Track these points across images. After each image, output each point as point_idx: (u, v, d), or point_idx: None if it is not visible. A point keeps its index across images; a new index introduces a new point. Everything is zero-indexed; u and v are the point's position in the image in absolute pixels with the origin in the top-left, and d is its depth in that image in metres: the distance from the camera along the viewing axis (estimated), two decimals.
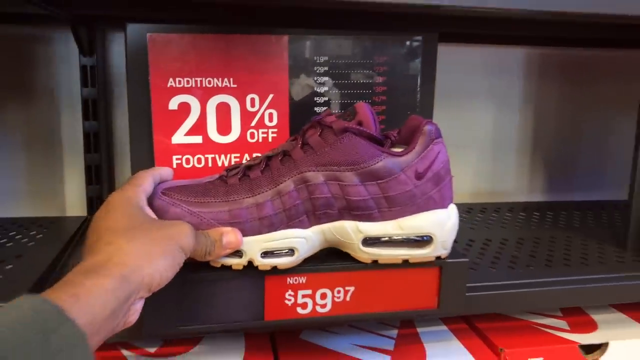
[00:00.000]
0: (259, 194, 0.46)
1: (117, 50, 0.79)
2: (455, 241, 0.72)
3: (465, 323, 0.66)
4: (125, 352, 0.56)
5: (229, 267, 0.45)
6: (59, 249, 0.64)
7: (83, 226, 0.74)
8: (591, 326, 0.66)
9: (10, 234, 0.69)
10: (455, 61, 0.90)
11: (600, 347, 0.62)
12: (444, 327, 0.65)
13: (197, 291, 0.46)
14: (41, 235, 0.69)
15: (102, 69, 0.78)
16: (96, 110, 0.78)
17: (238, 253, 0.45)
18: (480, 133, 0.95)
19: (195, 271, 0.45)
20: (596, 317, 0.68)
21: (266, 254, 0.46)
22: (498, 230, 0.78)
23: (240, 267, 0.45)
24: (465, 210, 0.88)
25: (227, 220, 0.45)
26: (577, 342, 0.61)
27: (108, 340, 0.38)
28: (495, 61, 0.93)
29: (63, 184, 0.83)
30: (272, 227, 0.45)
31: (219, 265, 0.45)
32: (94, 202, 0.80)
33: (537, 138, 0.98)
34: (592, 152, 1.00)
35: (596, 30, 0.81)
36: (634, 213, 0.69)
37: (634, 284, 0.62)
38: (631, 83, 0.68)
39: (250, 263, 0.45)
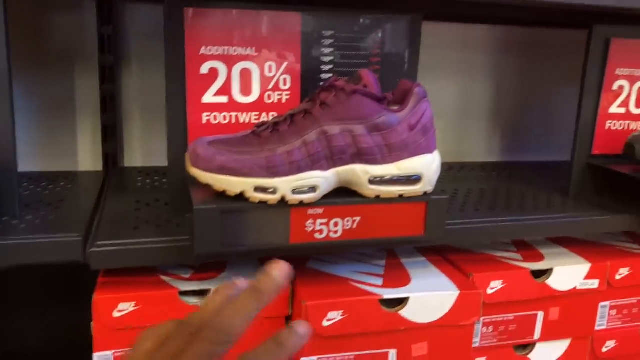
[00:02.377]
0: (288, 143, 0.57)
1: (131, 20, 0.87)
2: None
3: (440, 255, 0.80)
4: (164, 277, 0.65)
5: (265, 202, 0.56)
6: (96, 193, 0.74)
7: (107, 177, 0.84)
8: (539, 257, 0.80)
9: (42, 184, 0.78)
10: (429, 37, 1.01)
11: (547, 272, 0.77)
12: (423, 258, 0.78)
13: (237, 219, 0.56)
14: (71, 185, 0.78)
15: (118, 38, 0.86)
16: (112, 74, 0.86)
17: (273, 190, 0.56)
18: (448, 101, 1.08)
19: (237, 203, 0.56)
20: (543, 251, 0.83)
21: (294, 191, 0.57)
22: (464, 183, 0.92)
23: (275, 202, 0.56)
24: None
25: (264, 165, 0.55)
26: (528, 269, 0.76)
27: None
28: (462, 38, 1.05)
29: (76, 142, 0.91)
30: (299, 170, 0.56)
31: (257, 201, 0.56)
32: (109, 157, 0.90)
33: (497, 107, 1.12)
34: (544, 119, 1.15)
35: (550, 14, 0.94)
36: (575, 165, 0.85)
37: (573, 222, 0.77)
38: (579, 60, 0.82)
39: (282, 198, 0.56)
